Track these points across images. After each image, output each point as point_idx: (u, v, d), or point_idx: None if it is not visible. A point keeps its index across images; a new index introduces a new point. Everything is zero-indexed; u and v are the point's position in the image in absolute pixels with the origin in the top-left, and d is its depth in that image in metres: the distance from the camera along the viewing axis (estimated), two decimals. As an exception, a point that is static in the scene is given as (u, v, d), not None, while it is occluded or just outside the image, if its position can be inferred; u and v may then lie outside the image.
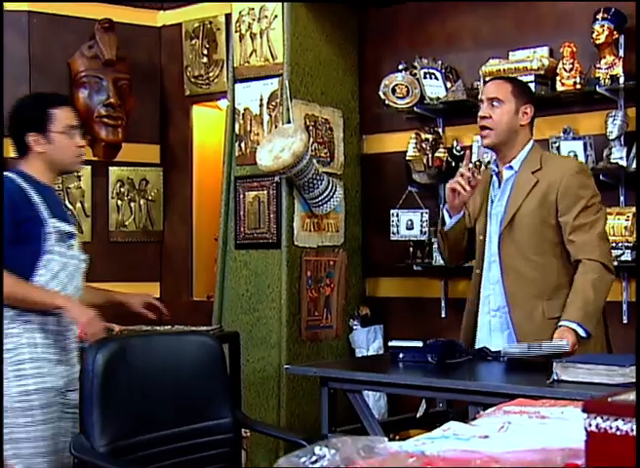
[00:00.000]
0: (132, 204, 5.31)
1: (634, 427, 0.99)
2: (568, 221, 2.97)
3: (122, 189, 5.27)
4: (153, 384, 2.52)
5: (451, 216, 3.16)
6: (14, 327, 2.78)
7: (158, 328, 3.79)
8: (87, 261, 3.01)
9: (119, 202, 5.27)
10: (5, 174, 2.86)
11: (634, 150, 3.89)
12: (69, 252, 2.89)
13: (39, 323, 2.81)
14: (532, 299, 3.00)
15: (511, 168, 3.10)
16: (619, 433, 1.00)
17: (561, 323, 2.85)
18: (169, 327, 3.90)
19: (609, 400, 1.05)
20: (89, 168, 5.08)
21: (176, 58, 5.39)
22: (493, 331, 3.08)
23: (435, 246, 4.36)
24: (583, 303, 2.88)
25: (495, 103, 3.06)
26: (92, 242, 5.05)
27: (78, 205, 5.07)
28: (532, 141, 3.14)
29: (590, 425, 1.03)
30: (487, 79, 3.66)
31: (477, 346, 3.08)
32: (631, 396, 1.07)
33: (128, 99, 5.09)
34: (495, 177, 3.16)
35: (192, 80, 5.33)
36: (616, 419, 1.01)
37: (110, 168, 5.22)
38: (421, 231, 4.46)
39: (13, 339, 2.77)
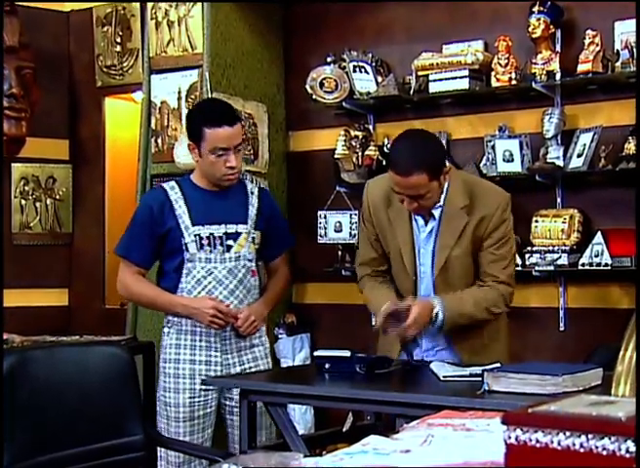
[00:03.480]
0: (37, 204, 5.22)
1: (554, 439, 1.02)
2: (492, 252, 3.04)
3: (26, 187, 5.19)
4: (57, 400, 2.48)
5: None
6: (170, 327, 3.19)
7: (64, 338, 3.74)
8: (252, 258, 3.20)
9: (23, 201, 5.18)
10: (164, 184, 3.22)
11: (571, 150, 3.98)
12: (220, 256, 3.11)
13: (190, 325, 3.13)
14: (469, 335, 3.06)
15: (440, 207, 3.05)
16: (538, 445, 1.02)
17: (435, 304, 2.94)
18: (76, 337, 3.85)
19: (529, 411, 1.08)
20: (-11, 164, 4.99)
21: (86, 45, 5.33)
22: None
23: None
24: (460, 310, 2.97)
25: (419, 197, 2.94)
26: (-8, 245, 4.95)
27: (-23, 204, 4.98)
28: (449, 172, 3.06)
29: (510, 437, 1.05)
30: (395, 168, 2.93)
31: None
32: (552, 406, 1.09)
33: (32, 90, 5.01)
34: None
35: (104, 70, 5.28)
36: (535, 431, 1.03)
37: (13, 164, 5.13)
38: (350, 234, 4.48)
39: (164, 337, 3.20)
